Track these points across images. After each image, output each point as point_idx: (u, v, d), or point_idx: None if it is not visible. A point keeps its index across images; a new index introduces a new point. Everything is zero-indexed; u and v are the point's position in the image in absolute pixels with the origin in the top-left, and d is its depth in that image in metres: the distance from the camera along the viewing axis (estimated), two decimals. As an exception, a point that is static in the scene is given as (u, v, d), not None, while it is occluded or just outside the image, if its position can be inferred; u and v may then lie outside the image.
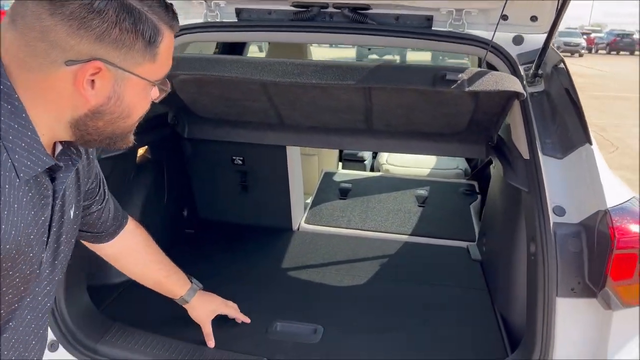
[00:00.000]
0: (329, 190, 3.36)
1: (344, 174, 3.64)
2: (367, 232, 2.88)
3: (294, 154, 2.74)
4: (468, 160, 4.28)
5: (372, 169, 4.29)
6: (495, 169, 2.44)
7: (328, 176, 3.58)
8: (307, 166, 3.69)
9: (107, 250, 1.54)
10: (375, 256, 2.60)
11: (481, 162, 3.80)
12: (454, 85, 1.58)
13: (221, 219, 2.96)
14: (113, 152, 1.97)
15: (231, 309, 1.92)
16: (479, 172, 3.63)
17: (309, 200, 3.21)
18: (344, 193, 3.30)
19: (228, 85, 2.00)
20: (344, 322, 2.01)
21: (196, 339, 1.84)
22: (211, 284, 2.08)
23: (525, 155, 1.80)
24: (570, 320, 1.56)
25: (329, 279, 2.36)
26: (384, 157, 4.19)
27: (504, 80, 1.63)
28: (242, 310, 2.02)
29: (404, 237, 2.83)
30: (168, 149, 2.57)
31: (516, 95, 1.76)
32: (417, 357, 1.81)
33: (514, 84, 1.65)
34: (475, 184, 3.51)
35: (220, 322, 1.95)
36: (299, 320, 2.02)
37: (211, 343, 1.81)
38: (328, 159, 3.99)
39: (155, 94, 1.01)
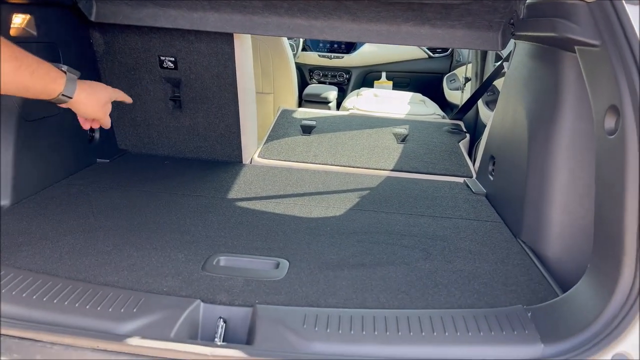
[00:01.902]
0: (288, 126, 2.71)
1: (306, 112, 3.00)
2: (340, 167, 2.26)
3: (244, 54, 2.06)
4: (443, 109, 3.76)
5: None
6: (514, 59, 1.85)
7: (286, 113, 2.93)
8: (260, 107, 3.02)
9: None
10: (353, 188, 1.98)
11: (458, 108, 3.28)
12: None
13: (147, 151, 2.25)
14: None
15: (123, 94, 1.46)
16: (462, 111, 3.09)
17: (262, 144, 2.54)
18: (307, 130, 2.66)
19: None
20: (318, 256, 1.38)
21: (97, 278, 1.18)
22: (128, 216, 1.58)
23: (589, -4, 1.23)
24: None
25: (293, 210, 1.71)
26: (350, 100, 3.59)
27: None
28: (169, 244, 1.38)
29: (386, 173, 2.23)
30: (66, 28, 1.82)
31: None
32: (424, 295, 1.21)
33: None
34: (461, 123, 2.96)
35: (134, 259, 1.29)
36: (252, 253, 1.37)
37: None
38: (285, 99, 3.34)
39: None
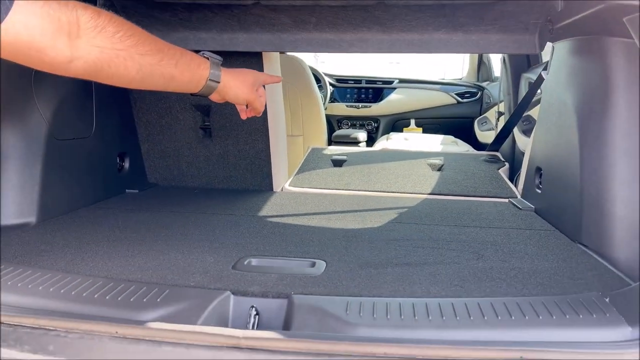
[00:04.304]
0: (319, 161, 2.66)
1: (336, 150, 2.95)
2: (374, 193, 2.16)
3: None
4: (477, 148, 3.66)
5: None
6: (553, 61, 1.77)
7: (317, 151, 2.88)
8: (290, 149, 2.99)
9: (74, 64, 0.91)
10: (390, 207, 1.87)
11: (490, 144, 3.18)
12: None
13: (177, 184, 2.21)
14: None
15: (269, 76, 1.45)
16: (498, 142, 2.98)
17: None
18: (338, 163, 2.59)
19: None
20: (357, 258, 1.26)
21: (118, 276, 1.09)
22: (155, 230, 1.51)
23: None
24: None
25: (327, 223, 1.61)
26: (380, 144, 3.54)
27: None
28: (197, 249, 1.30)
29: (424, 196, 2.12)
30: None
31: None
32: (481, 287, 1.06)
33: None
34: (498, 154, 2.85)
35: (159, 261, 1.20)
36: (286, 256, 1.27)
37: None
38: (315, 141, 3.31)
39: None
